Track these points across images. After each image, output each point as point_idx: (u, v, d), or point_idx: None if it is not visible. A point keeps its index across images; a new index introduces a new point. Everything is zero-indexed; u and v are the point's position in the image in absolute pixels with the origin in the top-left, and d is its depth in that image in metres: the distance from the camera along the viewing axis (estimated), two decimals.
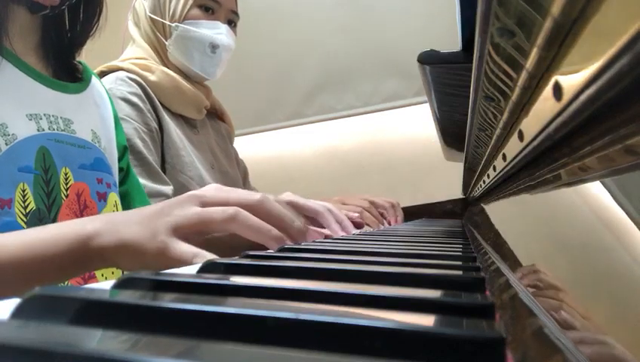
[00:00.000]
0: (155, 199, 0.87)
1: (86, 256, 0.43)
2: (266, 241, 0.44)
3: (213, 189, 0.47)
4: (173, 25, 1.04)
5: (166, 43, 1.05)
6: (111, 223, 0.44)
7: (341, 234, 0.62)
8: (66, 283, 0.59)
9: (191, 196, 0.46)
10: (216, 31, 1.05)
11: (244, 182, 1.26)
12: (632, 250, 0.16)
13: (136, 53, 1.06)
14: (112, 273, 0.66)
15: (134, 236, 0.43)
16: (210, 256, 0.41)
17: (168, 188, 0.93)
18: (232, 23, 1.10)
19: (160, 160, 0.98)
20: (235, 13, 1.10)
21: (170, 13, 1.04)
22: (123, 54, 1.08)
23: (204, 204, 0.45)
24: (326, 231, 0.62)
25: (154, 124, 0.98)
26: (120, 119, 0.83)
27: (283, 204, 0.49)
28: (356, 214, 0.88)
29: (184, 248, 0.42)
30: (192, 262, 0.40)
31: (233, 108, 1.28)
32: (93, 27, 0.68)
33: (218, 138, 1.20)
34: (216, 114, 1.22)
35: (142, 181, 0.87)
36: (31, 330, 0.14)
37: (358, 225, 0.77)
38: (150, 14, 1.06)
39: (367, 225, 0.90)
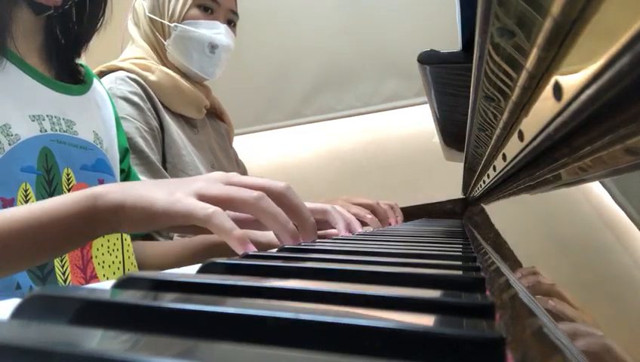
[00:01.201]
0: None
1: (95, 214, 0.42)
2: (281, 232, 0.43)
3: (239, 175, 0.47)
4: (172, 25, 1.04)
5: (165, 43, 1.05)
6: (125, 184, 0.43)
7: (346, 233, 0.62)
8: (68, 283, 0.59)
9: (220, 174, 0.45)
10: (215, 31, 1.05)
11: None
12: (632, 251, 0.16)
13: (136, 53, 1.06)
14: (114, 273, 0.66)
15: (149, 193, 0.41)
16: (226, 218, 0.39)
17: None
18: (231, 22, 1.10)
19: (161, 159, 0.99)
20: (235, 13, 1.10)
21: (169, 13, 1.04)
22: (122, 54, 1.08)
23: (232, 184, 0.44)
24: (333, 231, 0.62)
25: (155, 123, 0.98)
26: (121, 118, 0.83)
27: None
28: (370, 215, 0.88)
29: (198, 203, 0.40)
30: (202, 217, 0.39)
31: (233, 108, 1.28)
32: (99, 20, 0.69)
33: (218, 138, 1.19)
34: (215, 113, 1.22)
35: (144, 179, 0.87)
36: (31, 330, 0.14)
37: (363, 223, 0.77)
38: (149, 14, 1.06)
39: (368, 224, 0.91)
